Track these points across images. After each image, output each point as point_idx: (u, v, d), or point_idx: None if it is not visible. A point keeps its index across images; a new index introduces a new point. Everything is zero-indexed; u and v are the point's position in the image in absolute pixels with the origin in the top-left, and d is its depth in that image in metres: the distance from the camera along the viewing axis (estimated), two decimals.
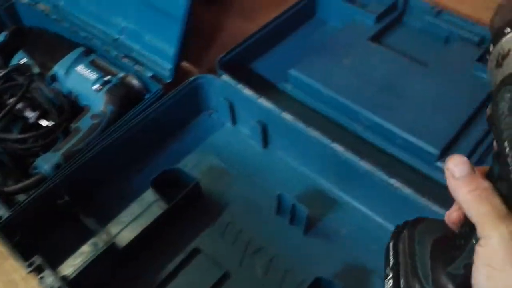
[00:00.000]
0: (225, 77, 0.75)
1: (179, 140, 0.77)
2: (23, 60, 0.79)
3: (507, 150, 0.27)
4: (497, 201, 0.28)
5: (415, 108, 0.73)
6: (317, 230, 0.66)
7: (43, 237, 0.62)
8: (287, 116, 0.69)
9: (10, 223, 0.60)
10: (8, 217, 0.60)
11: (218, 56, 0.77)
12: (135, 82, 0.77)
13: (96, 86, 0.74)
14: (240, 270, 0.62)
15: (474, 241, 0.29)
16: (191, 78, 0.75)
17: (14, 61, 0.79)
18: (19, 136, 0.70)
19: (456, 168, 0.30)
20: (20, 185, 0.65)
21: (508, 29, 0.29)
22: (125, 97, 0.75)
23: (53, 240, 0.63)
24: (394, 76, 0.78)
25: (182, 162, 0.74)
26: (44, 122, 0.73)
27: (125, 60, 0.78)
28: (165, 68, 0.77)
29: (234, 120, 0.78)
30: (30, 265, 0.56)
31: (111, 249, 0.60)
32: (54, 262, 0.58)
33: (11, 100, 0.72)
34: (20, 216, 0.61)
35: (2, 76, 0.75)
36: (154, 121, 0.72)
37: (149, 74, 0.77)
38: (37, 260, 0.56)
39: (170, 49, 0.76)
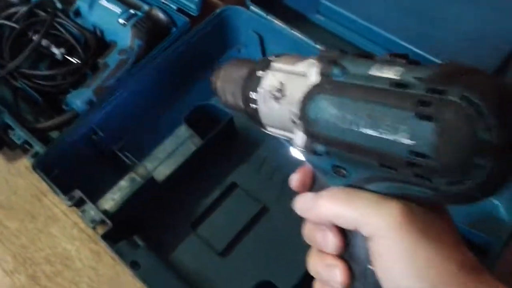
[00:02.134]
0: (254, 8, 0.71)
1: (209, 76, 0.74)
2: None
3: None
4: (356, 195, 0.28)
5: (458, 39, 0.69)
6: None
7: (82, 173, 0.62)
8: (320, 48, 0.66)
9: (47, 158, 0.59)
10: (43, 153, 0.59)
11: None
12: (161, 15, 0.74)
13: (121, 20, 0.71)
14: (277, 205, 0.62)
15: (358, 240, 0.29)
16: (219, 10, 0.72)
17: None
18: (47, 73, 0.69)
19: (303, 203, 0.32)
20: (52, 121, 0.64)
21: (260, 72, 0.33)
22: (151, 31, 0.72)
23: (91, 175, 0.63)
24: (433, 5, 0.73)
25: (214, 98, 0.72)
26: (71, 59, 0.71)
27: None
28: (191, 0, 0.74)
29: (264, 54, 0.75)
30: (70, 199, 0.56)
31: (149, 183, 0.60)
32: (94, 196, 0.58)
33: (36, 37, 0.69)
34: (56, 152, 0.60)
35: (25, 12, 0.72)
36: (183, 56, 0.70)
37: (175, 7, 0.73)
38: (77, 194, 0.56)
39: None
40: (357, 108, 0.25)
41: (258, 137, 0.68)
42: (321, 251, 0.31)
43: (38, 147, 0.60)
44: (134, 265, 0.53)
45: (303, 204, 0.31)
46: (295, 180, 0.34)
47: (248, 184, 0.64)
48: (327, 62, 0.29)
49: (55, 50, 0.71)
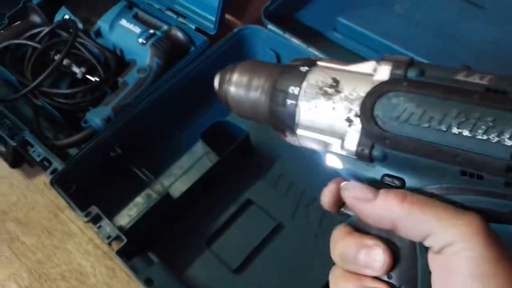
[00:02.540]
0: (271, 27, 0.72)
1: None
2: (66, 16, 0.78)
3: None
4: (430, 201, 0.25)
5: (472, 55, 0.69)
6: None
7: (98, 189, 0.63)
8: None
9: (65, 175, 0.60)
10: (62, 169, 0.60)
11: (262, 7, 0.74)
12: (179, 34, 0.75)
13: (141, 40, 0.72)
14: (293, 222, 0.61)
15: (420, 252, 0.26)
16: (236, 29, 0.73)
17: (57, 17, 0.78)
18: (68, 91, 0.70)
19: (361, 192, 0.26)
20: (71, 138, 0.65)
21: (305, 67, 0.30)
22: (170, 50, 0.73)
23: (108, 192, 0.63)
24: (449, 21, 0.73)
25: (231, 115, 0.72)
26: (91, 77, 0.72)
27: (168, 13, 0.76)
28: (209, 19, 0.75)
29: None
30: (87, 215, 0.56)
31: (165, 200, 0.60)
32: (110, 213, 0.58)
33: (58, 56, 0.71)
34: (74, 168, 0.61)
35: (47, 32, 0.74)
36: (201, 74, 0.70)
37: (193, 26, 0.75)
38: (94, 210, 0.57)
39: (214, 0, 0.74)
40: (445, 106, 0.23)
41: (274, 154, 0.67)
42: (354, 273, 0.27)
43: (56, 164, 0.61)
44: (148, 282, 0.52)
45: (361, 193, 0.26)
46: (328, 195, 0.30)
47: (263, 201, 0.63)
48: (398, 63, 0.26)
49: (75, 69, 0.72)
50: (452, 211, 0.24)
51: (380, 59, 0.27)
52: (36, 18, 0.79)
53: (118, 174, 0.65)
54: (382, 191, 0.26)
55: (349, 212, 0.30)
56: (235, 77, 0.33)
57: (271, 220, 0.61)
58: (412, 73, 0.26)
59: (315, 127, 0.29)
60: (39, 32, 0.75)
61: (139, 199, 0.63)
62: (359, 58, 0.74)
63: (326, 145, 0.29)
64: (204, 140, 0.65)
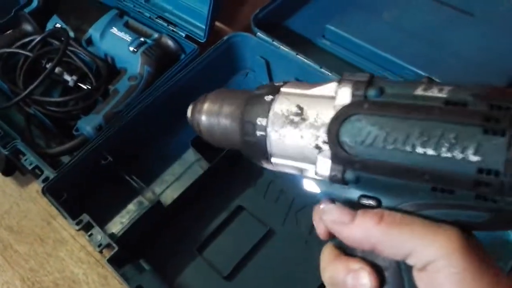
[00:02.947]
0: (261, 35, 0.73)
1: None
2: (57, 24, 0.78)
3: None
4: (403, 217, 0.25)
5: (461, 63, 0.70)
6: None
7: (90, 197, 0.63)
8: (326, 72, 0.67)
9: (57, 183, 0.61)
10: (54, 177, 0.61)
11: (251, 15, 0.75)
12: (170, 42, 0.76)
13: (132, 48, 0.73)
14: (283, 228, 0.62)
15: (406, 270, 0.26)
16: (226, 37, 0.73)
17: (49, 26, 0.79)
18: (60, 99, 0.71)
19: (338, 215, 0.27)
20: (63, 147, 0.66)
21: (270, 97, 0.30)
22: (161, 58, 0.74)
23: (99, 199, 0.64)
24: (438, 28, 0.74)
25: None
26: (82, 85, 0.73)
27: (159, 21, 0.77)
28: (199, 27, 0.76)
29: (271, 79, 0.76)
30: (78, 223, 0.57)
31: (157, 207, 0.60)
32: (101, 220, 0.59)
33: (49, 65, 0.71)
34: (66, 176, 0.61)
35: (39, 41, 0.75)
36: (191, 81, 0.71)
37: (183, 34, 0.75)
38: (85, 218, 0.57)
39: (203, 8, 0.74)
40: (407, 126, 0.24)
41: None
42: None
43: (48, 172, 0.61)
44: None
45: (339, 217, 0.27)
46: (318, 225, 0.29)
47: (254, 207, 0.64)
48: (358, 83, 0.27)
49: (67, 77, 0.73)
50: (430, 227, 0.24)
51: (341, 79, 0.28)
52: (27, 27, 0.79)
53: (110, 181, 0.66)
54: (359, 213, 0.26)
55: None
56: (206, 106, 0.34)
57: (262, 226, 0.62)
58: (371, 93, 0.26)
59: (287, 155, 0.29)
60: (31, 41, 0.75)
61: (130, 207, 0.63)
62: (347, 65, 0.76)
63: (301, 170, 0.29)
64: (194, 147, 0.66)
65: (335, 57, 0.77)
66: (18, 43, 0.75)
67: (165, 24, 0.77)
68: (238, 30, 0.77)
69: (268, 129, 0.30)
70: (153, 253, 0.60)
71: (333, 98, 0.27)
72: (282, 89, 0.30)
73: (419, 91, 0.25)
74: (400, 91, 0.26)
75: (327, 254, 0.29)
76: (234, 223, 0.63)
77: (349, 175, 0.26)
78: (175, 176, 0.67)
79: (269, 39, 0.72)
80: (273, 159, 0.30)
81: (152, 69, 0.72)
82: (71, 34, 0.77)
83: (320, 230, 0.30)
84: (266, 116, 0.30)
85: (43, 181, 0.61)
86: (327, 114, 0.27)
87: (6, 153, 0.64)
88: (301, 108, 0.28)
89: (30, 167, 0.62)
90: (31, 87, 0.68)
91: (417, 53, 0.71)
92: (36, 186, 0.68)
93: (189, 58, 0.72)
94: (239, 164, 0.68)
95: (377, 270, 0.27)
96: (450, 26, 0.74)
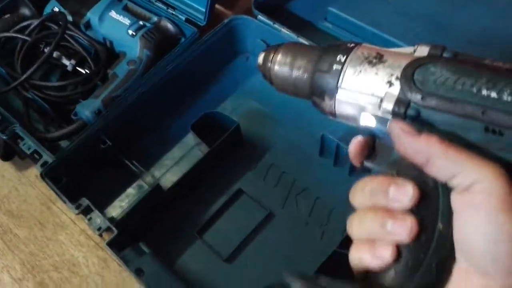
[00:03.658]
0: (262, 17, 0.72)
1: (217, 85, 0.75)
2: (55, 8, 0.77)
3: None
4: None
5: (465, 44, 0.69)
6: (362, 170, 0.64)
7: (89, 181, 0.63)
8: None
9: (55, 168, 0.60)
10: (52, 162, 0.60)
11: None
12: (169, 26, 0.75)
13: (131, 31, 0.72)
14: (283, 211, 0.62)
15: (443, 193, 0.28)
16: (227, 20, 0.72)
17: (46, 10, 0.78)
18: (58, 84, 0.70)
19: (408, 126, 0.29)
20: (62, 131, 0.65)
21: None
22: (160, 42, 0.73)
23: (99, 184, 0.64)
24: (441, 11, 0.73)
25: (221, 106, 0.72)
26: (81, 70, 0.72)
27: (158, 4, 0.76)
28: (199, 10, 0.75)
29: None
30: (77, 207, 0.56)
31: (156, 190, 0.60)
32: (101, 204, 0.59)
33: (47, 49, 0.71)
34: (65, 161, 0.61)
35: (37, 25, 0.74)
36: (191, 65, 0.70)
37: (183, 17, 0.75)
38: (84, 202, 0.57)
39: None
40: (476, 75, 0.28)
41: (264, 144, 0.68)
42: (379, 209, 0.29)
43: (47, 156, 0.61)
44: (139, 272, 0.53)
45: (408, 128, 0.29)
46: (356, 144, 0.33)
47: (254, 190, 0.63)
48: (435, 46, 0.31)
49: (65, 62, 0.72)
50: (481, 158, 0.27)
51: (417, 44, 0.32)
52: (25, 11, 0.78)
53: (109, 166, 0.65)
54: (425, 131, 0.29)
55: (371, 165, 0.33)
56: (279, 57, 0.37)
57: (262, 209, 0.62)
58: (446, 54, 0.30)
59: (356, 89, 0.32)
60: (29, 25, 0.75)
61: (130, 191, 0.63)
62: None
63: (361, 108, 0.32)
64: (194, 131, 0.65)
65: (337, 40, 0.76)
66: (16, 27, 0.75)
67: (165, 7, 0.76)
68: (239, 13, 0.76)
69: (346, 65, 0.32)
70: (153, 236, 0.60)
71: (411, 54, 0.31)
72: (363, 44, 0.34)
73: (487, 61, 0.29)
74: (471, 58, 0.29)
75: (366, 177, 0.31)
76: (234, 207, 0.63)
77: (411, 110, 0.29)
78: (174, 160, 0.66)
79: (270, 22, 0.71)
80: (339, 94, 0.33)
81: (151, 53, 0.72)
82: (69, 18, 0.76)
83: (355, 150, 0.33)
84: (347, 55, 0.33)
85: (42, 165, 0.60)
86: (405, 61, 0.30)
87: (5, 137, 0.63)
88: (381, 55, 0.32)
89: (28, 152, 0.62)
90: (29, 71, 0.67)
91: (420, 36, 0.70)
92: (35, 171, 0.68)
93: (189, 42, 0.71)
94: (239, 148, 0.67)
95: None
96: (454, 9, 0.73)
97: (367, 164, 0.33)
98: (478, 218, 0.26)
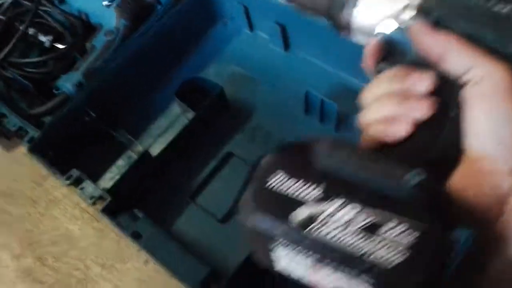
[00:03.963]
0: None
1: (198, 52, 0.75)
2: None
3: None
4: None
5: None
6: (348, 125, 0.65)
7: (78, 155, 0.63)
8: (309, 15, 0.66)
9: (42, 142, 0.60)
10: (38, 136, 0.60)
11: None
12: None
13: (105, 2, 0.71)
14: None
15: (455, 88, 0.29)
16: None
17: None
18: (37, 60, 0.69)
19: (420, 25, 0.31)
20: (45, 106, 0.65)
21: None
22: (136, 11, 0.72)
23: (88, 157, 0.64)
24: None
25: (203, 72, 0.72)
26: (59, 45, 0.71)
27: None
28: None
29: (251, 26, 0.75)
30: (68, 178, 0.57)
31: (145, 158, 0.60)
32: (92, 177, 0.59)
33: (22, 27, 0.70)
34: (51, 135, 0.61)
35: (10, 3, 0.73)
36: (169, 33, 0.70)
37: None
38: (74, 173, 0.57)
39: None
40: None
41: (250, 106, 0.68)
42: (397, 94, 0.31)
43: (32, 132, 0.61)
44: (135, 236, 0.54)
45: (428, 26, 0.30)
46: (372, 47, 0.34)
47: (243, 152, 0.64)
48: None
49: (42, 38, 0.71)
50: (493, 56, 0.28)
51: None
52: None
53: (97, 139, 0.65)
54: (441, 30, 0.30)
55: (386, 66, 0.33)
56: None
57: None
58: None
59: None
60: (2, 4, 0.73)
61: (120, 162, 0.63)
62: None
63: (381, 16, 0.33)
64: (179, 98, 0.65)
65: None
66: None
67: None
68: None
69: None
70: (147, 203, 0.60)
71: None
72: None
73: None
74: None
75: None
76: (224, 169, 0.63)
77: (431, 17, 0.30)
78: (162, 129, 0.66)
79: None
80: (358, 7, 0.34)
81: (128, 22, 0.71)
82: None
83: (371, 52, 0.34)
84: None
85: (29, 141, 0.60)
86: None
87: None
88: None
89: (13, 129, 0.62)
90: (5, 50, 0.67)
91: None
92: (22, 149, 0.67)
93: (166, 8, 0.71)
94: (225, 111, 0.68)
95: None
96: None
97: (382, 65, 0.34)
98: (487, 105, 0.27)
